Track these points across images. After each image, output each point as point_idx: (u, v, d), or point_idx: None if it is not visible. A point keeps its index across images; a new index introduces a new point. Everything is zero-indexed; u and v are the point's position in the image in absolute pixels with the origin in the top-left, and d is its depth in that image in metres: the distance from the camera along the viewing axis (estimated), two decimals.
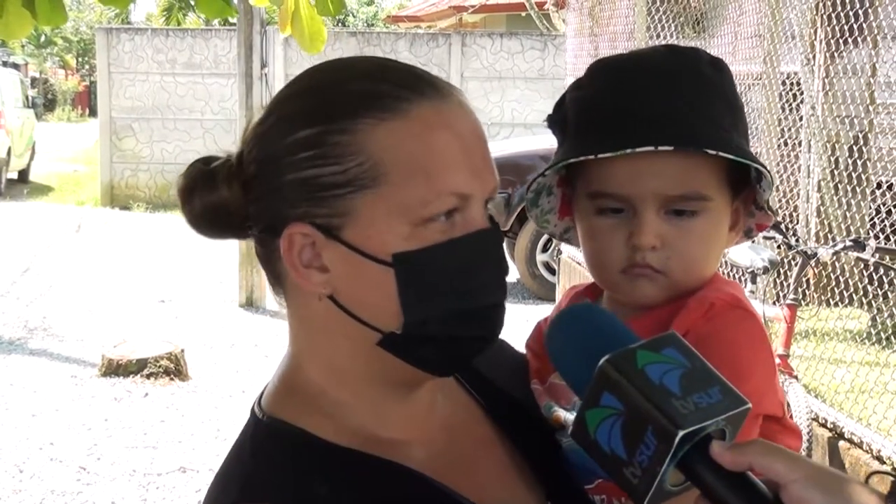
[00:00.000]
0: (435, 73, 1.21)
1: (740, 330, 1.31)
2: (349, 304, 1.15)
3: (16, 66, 34.73)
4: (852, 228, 6.39)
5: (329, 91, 1.17)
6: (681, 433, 0.93)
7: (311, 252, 1.14)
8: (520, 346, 1.53)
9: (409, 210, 1.11)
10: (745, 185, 1.38)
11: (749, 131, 1.42)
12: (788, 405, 4.65)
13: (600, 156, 1.29)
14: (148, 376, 7.40)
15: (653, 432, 0.94)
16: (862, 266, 5.66)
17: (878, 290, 5.46)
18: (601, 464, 0.99)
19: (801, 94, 6.80)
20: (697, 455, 0.95)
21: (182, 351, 7.70)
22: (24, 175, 21.48)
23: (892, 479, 1.04)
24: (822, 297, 6.18)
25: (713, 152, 1.27)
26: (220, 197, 1.18)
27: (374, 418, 1.20)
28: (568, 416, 1.34)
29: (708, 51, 1.44)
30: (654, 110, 1.30)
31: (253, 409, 1.24)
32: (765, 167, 1.33)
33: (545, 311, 1.78)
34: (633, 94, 1.32)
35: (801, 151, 6.82)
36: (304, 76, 1.22)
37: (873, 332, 5.80)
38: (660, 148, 1.27)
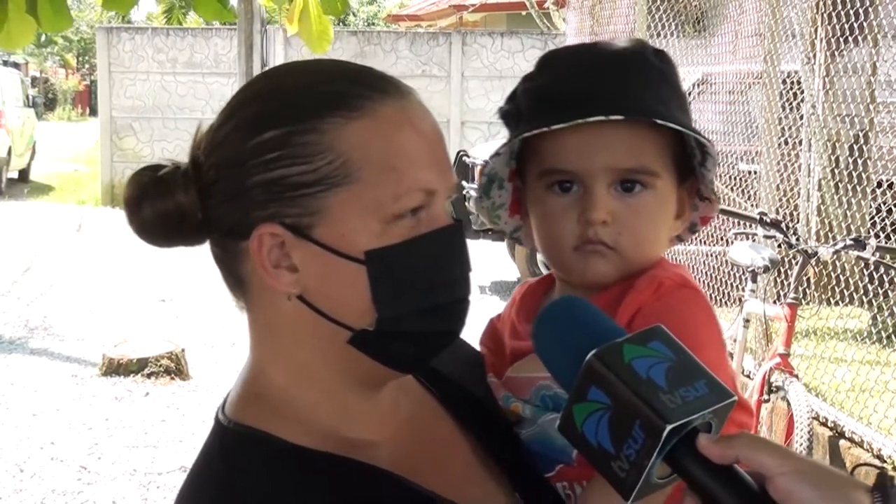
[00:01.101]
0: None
1: (690, 307, 1.32)
2: (319, 302, 1.15)
3: (16, 66, 34.70)
4: (853, 227, 6.39)
5: (292, 92, 1.17)
6: (668, 427, 0.93)
7: (279, 252, 1.14)
8: None
9: (380, 207, 1.12)
10: (690, 173, 1.41)
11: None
12: (789, 403, 4.65)
13: (553, 127, 1.31)
14: (149, 376, 7.41)
15: (640, 426, 0.95)
16: (862, 265, 5.66)
17: (879, 288, 5.47)
18: (588, 457, 1.00)
19: (802, 92, 6.81)
20: (684, 448, 0.96)
21: (183, 350, 7.71)
22: (24, 174, 21.49)
23: (877, 471, 1.05)
24: (823, 296, 6.19)
25: (662, 122, 1.30)
26: (175, 203, 1.17)
27: (341, 420, 1.20)
28: (525, 407, 1.35)
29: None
30: (604, 88, 1.34)
31: (217, 417, 1.23)
32: (710, 143, 1.36)
33: None
34: (584, 77, 1.35)
35: (801, 150, 6.82)
36: (258, 80, 1.22)
37: (874, 330, 5.81)
38: (610, 118, 1.29)
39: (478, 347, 1.52)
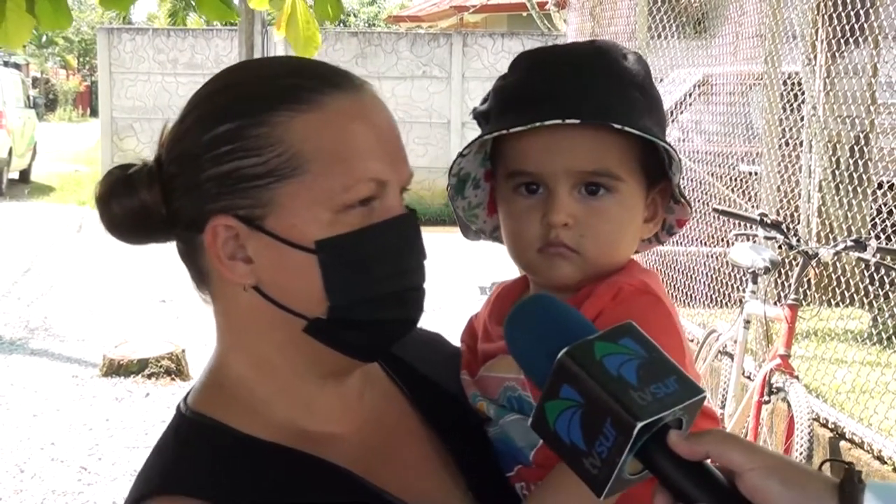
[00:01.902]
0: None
1: (650, 314, 1.31)
2: (274, 293, 1.17)
3: (17, 66, 34.70)
4: (853, 228, 6.39)
5: (245, 87, 1.20)
6: (639, 425, 0.94)
7: (234, 244, 1.17)
8: None
9: (329, 197, 1.14)
10: (662, 177, 1.40)
11: (665, 125, 1.43)
12: (789, 405, 4.65)
13: (511, 130, 1.32)
14: (149, 376, 7.42)
15: (612, 424, 0.95)
16: (863, 266, 5.67)
17: (879, 290, 5.47)
18: (560, 454, 1.00)
19: (803, 94, 6.80)
20: (655, 444, 0.97)
21: (183, 351, 7.72)
22: (25, 175, 21.50)
23: (845, 467, 1.05)
24: (824, 298, 6.19)
25: (619, 126, 1.29)
26: (140, 200, 1.20)
27: (301, 412, 1.23)
28: (490, 407, 1.36)
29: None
30: (566, 90, 1.33)
31: (178, 406, 1.26)
32: (672, 148, 1.35)
33: None
34: (548, 78, 1.35)
35: (802, 151, 6.82)
36: (219, 76, 1.24)
37: (874, 332, 5.80)
38: (567, 121, 1.29)
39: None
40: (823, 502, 0.92)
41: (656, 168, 1.38)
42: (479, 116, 1.44)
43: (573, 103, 1.31)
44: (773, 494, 0.93)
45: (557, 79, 1.34)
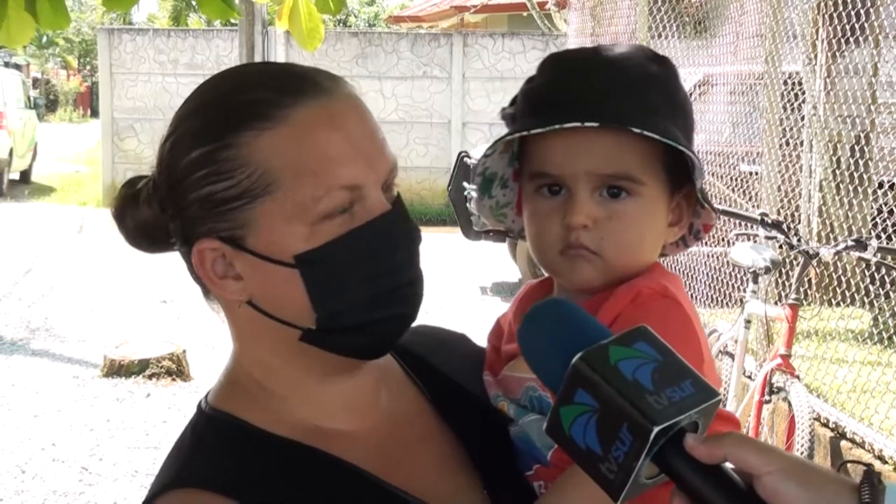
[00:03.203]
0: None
1: (668, 318, 1.32)
2: (267, 306, 1.20)
3: (18, 67, 34.73)
4: (854, 228, 6.39)
5: (213, 108, 1.21)
6: (656, 429, 0.93)
7: (223, 263, 1.20)
8: None
9: (303, 211, 1.15)
10: (688, 180, 1.40)
11: (692, 129, 1.44)
12: (790, 404, 4.65)
13: (532, 132, 1.33)
14: (150, 377, 7.42)
15: (628, 429, 0.95)
16: (864, 266, 5.67)
17: (880, 289, 5.47)
18: (576, 459, 1.00)
19: (803, 93, 6.81)
20: (672, 448, 0.96)
21: (184, 351, 7.72)
22: (25, 176, 21.51)
23: (864, 468, 1.04)
24: (824, 297, 6.19)
25: (637, 131, 1.30)
26: (144, 216, 1.25)
27: (313, 410, 1.25)
28: (511, 407, 1.37)
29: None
30: (588, 93, 1.34)
31: (199, 403, 1.29)
32: (693, 153, 1.35)
33: None
34: (572, 81, 1.36)
35: (802, 151, 6.82)
36: (196, 92, 1.26)
37: (875, 331, 5.80)
38: (586, 124, 1.30)
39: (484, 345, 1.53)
40: None
41: (681, 172, 1.39)
42: (507, 117, 1.44)
43: (594, 107, 1.32)
44: (792, 497, 0.92)
45: (580, 82, 1.35)
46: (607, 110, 1.32)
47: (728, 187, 7.18)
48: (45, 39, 46.61)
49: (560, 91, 1.36)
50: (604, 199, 1.35)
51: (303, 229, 1.16)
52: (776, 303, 5.70)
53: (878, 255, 4.67)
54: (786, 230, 4.99)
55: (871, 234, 5.98)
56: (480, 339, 1.54)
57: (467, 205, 10.19)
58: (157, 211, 1.23)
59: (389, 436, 1.29)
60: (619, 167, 1.34)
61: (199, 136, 1.19)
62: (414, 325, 1.27)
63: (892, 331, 5.70)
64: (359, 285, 1.18)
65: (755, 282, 5.26)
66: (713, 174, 7.38)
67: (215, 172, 1.16)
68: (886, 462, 4.56)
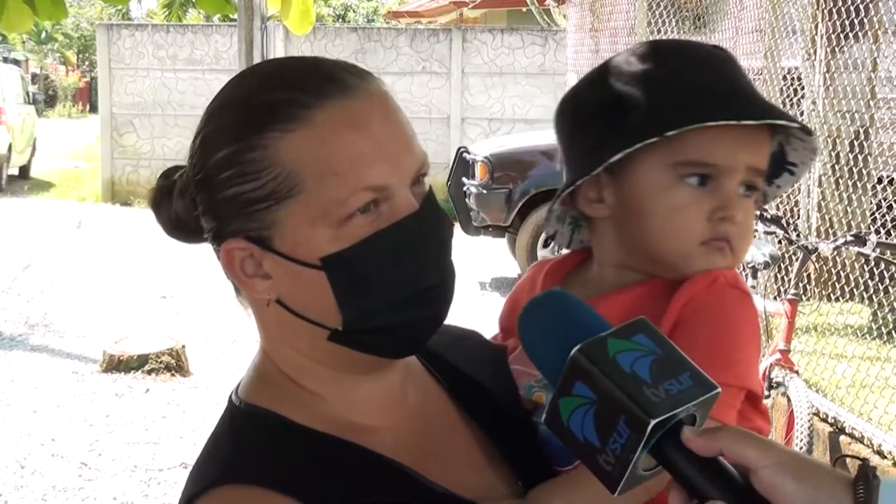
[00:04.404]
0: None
1: (739, 306, 1.36)
2: (295, 306, 1.20)
3: (16, 63, 34.72)
4: (853, 223, 6.39)
5: (239, 108, 1.21)
6: (652, 422, 0.94)
7: (252, 263, 1.20)
8: None
9: (327, 213, 1.15)
10: None
11: None
12: (789, 399, 4.65)
13: (744, 122, 1.33)
14: (149, 372, 7.41)
15: (625, 421, 0.95)
16: (863, 261, 5.66)
17: (879, 284, 5.47)
18: (574, 451, 1.00)
19: (802, 88, 6.80)
20: (669, 441, 0.97)
21: (183, 347, 7.71)
22: (24, 171, 21.49)
23: (859, 462, 1.06)
24: (823, 292, 6.19)
25: (809, 136, 1.39)
26: (177, 208, 1.25)
27: (344, 407, 1.25)
28: (548, 397, 1.36)
29: None
30: (745, 87, 1.39)
31: (230, 398, 1.28)
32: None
33: None
34: (709, 72, 1.39)
35: None
36: (224, 89, 1.26)
37: (874, 326, 5.80)
38: (790, 123, 1.36)
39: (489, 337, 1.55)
40: (838, 499, 0.92)
41: None
42: (609, 107, 1.41)
43: (760, 101, 1.37)
44: (788, 491, 0.93)
45: (720, 73, 1.39)
46: (774, 108, 1.37)
47: None
48: (43, 35, 46.59)
49: (715, 84, 1.37)
50: (742, 194, 1.38)
51: (328, 231, 1.15)
52: (775, 298, 5.70)
53: (877, 250, 4.67)
54: (785, 225, 4.99)
55: (870, 229, 5.98)
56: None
57: (466, 200, 10.21)
58: (190, 205, 1.23)
59: (420, 431, 1.29)
60: (765, 164, 1.38)
61: (226, 136, 1.19)
62: None
63: (890, 326, 5.70)
64: (386, 287, 1.17)
65: (754, 277, 5.26)
66: None
67: (241, 174, 1.17)
68: (885, 457, 4.56)
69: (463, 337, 1.49)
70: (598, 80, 1.45)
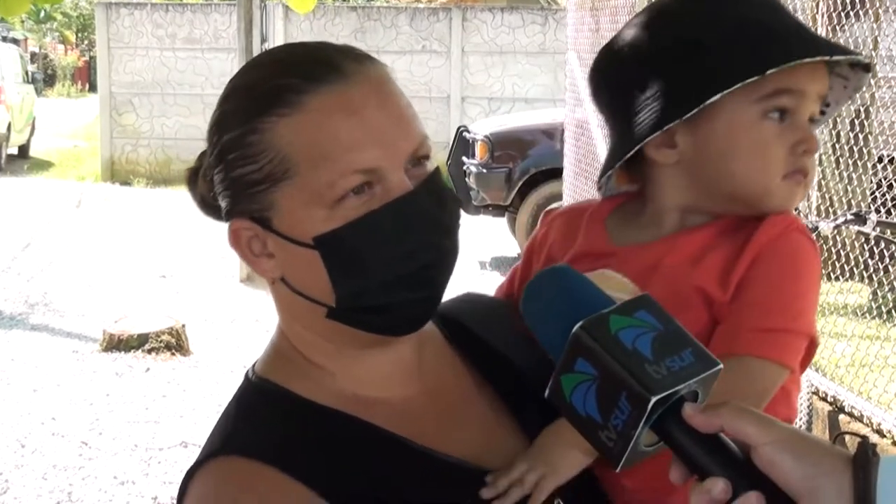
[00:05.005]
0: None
1: (811, 254, 1.41)
2: (296, 284, 1.26)
3: (15, 42, 34.62)
4: (853, 202, 6.38)
5: (243, 93, 1.26)
6: (654, 399, 0.94)
7: (258, 242, 1.26)
8: None
9: (319, 195, 1.19)
10: None
11: None
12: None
13: (836, 58, 1.41)
14: (149, 351, 7.42)
15: (627, 398, 0.96)
16: (863, 240, 5.66)
17: (879, 263, 5.47)
18: (577, 426, 1.01)
19: None
20: (670, 417, 0.97)
21: (183, 326, 7.72)
22: (24, 150, 21.47)
23: (858, 440, 1.07)
24: (823, 271, 6.18)
25: (867, 63, 1.46)
26: (201, 189, 1.31)
27: (352, 381, 1.29)
28: None
29: None
30: (802, 27, 1.46)
31: (246, 373, 1.35)
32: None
33: None
34: (773, 12, 1.45)
35: None
36: (238, 72, 1.32)
37: (874, 306, 5.81)
38: (859, 58, 1.44)
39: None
40: (837, 476, 0.92)
41: None
42: (689, 48, 1.43)
43: (825, 39, 1.46)
44: (788, 468, 0.94)
45: (789, 17, 1.46)
46: (837, 45, 1.45)
47: None
48: (42, 14, 46.44)
49: (786, 23, 1.43)
50: (810, 125, 1.45)
51: (322, 212, 1.19)
52: None
53: (878, 229, 4.67)
54: None
55: (870, 208, 5.97)
56: None
57: (466, 179, 10.21)
58: (210, 185, 1.29)
59: (430, 402, 1.32)
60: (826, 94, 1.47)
61: (233, 119, 1.24)
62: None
63: (890, 305, 5.70)
64: (379, 266, 1.20)
65: None
66: None
67: (243, 156, 1.22)
68: (885, 435, 4.57)
69: (497, 308, 1.54)
70: (654, 25, 1.48)
